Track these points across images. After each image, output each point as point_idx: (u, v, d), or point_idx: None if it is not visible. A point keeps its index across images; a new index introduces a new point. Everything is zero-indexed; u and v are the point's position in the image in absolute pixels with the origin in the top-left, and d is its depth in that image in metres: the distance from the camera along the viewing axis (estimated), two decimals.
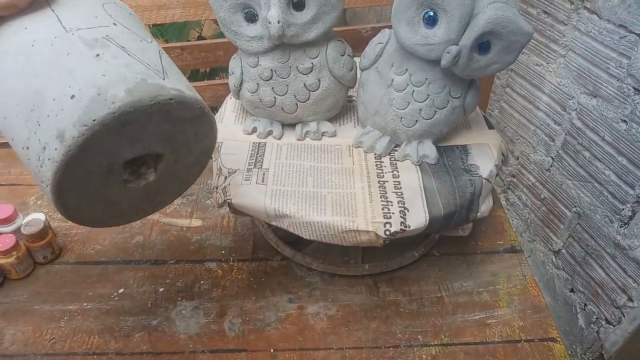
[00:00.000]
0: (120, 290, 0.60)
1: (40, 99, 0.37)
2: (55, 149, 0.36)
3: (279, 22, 0.51)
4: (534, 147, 0.93)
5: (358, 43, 0.78)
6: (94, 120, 0.36)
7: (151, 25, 1.34)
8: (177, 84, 0.40)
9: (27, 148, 0.38)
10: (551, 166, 0.89)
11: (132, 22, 0.44)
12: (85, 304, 0.59)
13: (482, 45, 0.48)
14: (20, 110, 0.38)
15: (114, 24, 0.42)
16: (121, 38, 0.40)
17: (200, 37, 1.53)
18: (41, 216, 0.62)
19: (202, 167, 0.49)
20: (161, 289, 0.60)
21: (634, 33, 0.66)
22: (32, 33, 0.40)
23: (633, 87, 0.68)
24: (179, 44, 0.91)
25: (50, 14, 0.41)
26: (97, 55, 0.38)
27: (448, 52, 0.48)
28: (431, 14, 0.48)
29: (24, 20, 0.40)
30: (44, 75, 0.38)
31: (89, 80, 0.37)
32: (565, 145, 0.84)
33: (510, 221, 1.03)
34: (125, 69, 0.38)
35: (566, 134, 0.84)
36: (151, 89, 0.38)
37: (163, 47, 0.94)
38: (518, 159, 0.99)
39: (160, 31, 1.37)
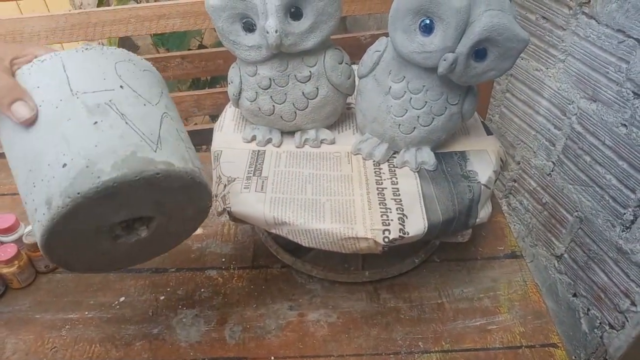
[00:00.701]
0: (121, 299, 0.60)
1: (38, 161, 0.39)
2: (43, 214, 0.39)
3: (276, 32, 0.51)
4: (534, 152, 0.93)
5: (357, 50, 0.78)
6: (78, 194, 0.37)
7: (152, 35, 1.35)
8: (169, 156, 0.41)
9: (26, 203, 0.41)
10: (552, 171, 0.89)
11: (141, 82, 0.44)
12: (86, 313, 0.59)
13: (479, 52, 0.48)
14: (23, 168, 0.41)
15: (121, 86, 0.42)
16: (124, 103, 0.41)
17: (201, 46, 1.54)
18: None
19: (198, 224, 0.51)
20: (162, 297, 0.61)
21: (632, 38, 0.66)
22: (42, 92, 0.41)
23: (632, 92, 0.68)
24: (179, 53, 0.92)
25: (61, 74, 0.42)
26: (95, 123, 0.39)
27: (445, 60, 0.48)
28: (427, 22, 0.48)
29: (40, 77, 0.42)
30: (45, 139, 0.40)
31: (82, 150, 0.38)
32: (566, 149, 0.84)
33: (512, 226, 1.03)
34: (119, 140, 0.39)
35: (567, 139, 0.84)
36: (138, 164, 0.39)
37: (164, 57, 0.95)
38: (519, 163, 0.99)
39: (161, 40, 1.38)
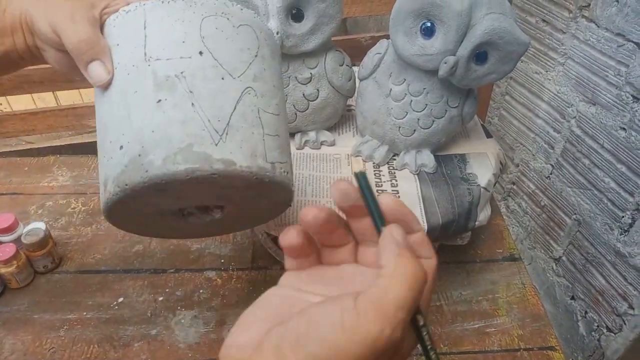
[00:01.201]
0: (120, 300, 0.60)
1: (103, 135, 0.37)
2: (102, 192, 0.37)
3: (277, 33, 0.51)
4: (533, 155, 0.93)
5: (358, 52, 0.78)
6: (126, 185, 0.34)
7: None
8: (233, 150, 0.34)
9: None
10: (551, 173, 0.89)
11: (230, 44, 0.37)
12: (85, 313, 0.59)
13: (480, 55, 0.48)
14: (98, 133, 0.38)
15: (200, 52, 0.36)
16: (197, 76, 0.35)
17: None
18: (41, 225, 0.63)
19: (279, 213, 0.45)
20: (160, 298, 0.61)
21: (632, 41, 0.67)
22: (120, 52, 0.37)
23: (631, 95, 0.68)
24: None
25: (140, 31, 0.36)
26: (159, 101, 0.34)
27: (445, 63, 0.48)
28: (428, 24, 0.48)
29: (121, 32, 0.37)
30: (112, 111, 0.36)
31: (139, 133, 0.34)
32: (565, 152, 0.84)
33: (511, 229, 1.04)
34: (178, 127, 0.34)
35: (566, 142, 0.84)
36: (191, 161, 0.33)
37: None
38: (518, 166, 0.99)
39: None
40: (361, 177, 0.28)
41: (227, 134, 0.35)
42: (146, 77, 0.35)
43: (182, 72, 0.35)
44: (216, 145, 0.34)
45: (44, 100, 1.27)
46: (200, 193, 0.37)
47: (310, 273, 0.31)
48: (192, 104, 0.34)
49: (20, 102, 1.26)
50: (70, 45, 0.36)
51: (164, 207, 0.38)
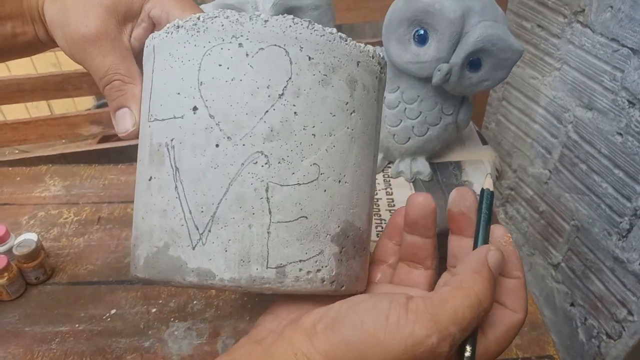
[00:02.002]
0: (112, 311, 0.59)
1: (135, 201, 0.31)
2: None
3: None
4: (531, 160, 0.93)
5: None
6: (133, 275, 0.29)
7: None
8: (214, 254, 0.26)
9: None
10: (549, 179, 0.89)
11: (232, 89, 0.26)
12: (77, 325, 0.58)
13: (473, 62, 0.48)
14: None
15: (194, 108, 0.26)
16: (186, 144, 0.26)
17: None
18: (33, 236, 0.62)
19: None
20: (153, 310, 0.60)
21: (627, 47, 0.66)
22: (143, 102, 0.31)
23: (627, 100, 0.68)
24: None
25: (149, 77, 0.29)
26: (150, 179, 0.28)
27: (439, 70, 0.48)
28: (421, 32, 0.48)
29: (143, 78, 0.31)
30: (137, 174, 0.31)
31: (136, 215, 0.29)
32: (562, 158, 0.84)
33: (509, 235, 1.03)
34: (159, 218, 0.27)
35: (563, 147, 0.83)
36: (164, 268, 0.27)
37: None
38: (516, 172, 0.98)
39: None
40: (487, 193, 0.26)
41: (209, 231, 0.26)
42: (146, 142, 0.28)
43: (172, 140, 0.27)
44: (193, 248, 0.26)
45: (38, 108, 1.26)
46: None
47: None
48: (176, 186, 0.26)
49: (14, 111, 1.26)
50: (99, 85, 0.32)
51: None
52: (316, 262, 0.27)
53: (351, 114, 0.28)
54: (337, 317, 0.24)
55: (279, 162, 0.26)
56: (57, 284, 0.63)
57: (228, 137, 0.26)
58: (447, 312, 0.23)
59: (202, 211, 0.26)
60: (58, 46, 0.34)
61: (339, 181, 0.28)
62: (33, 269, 0.61)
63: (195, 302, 0.61)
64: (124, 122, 0.31)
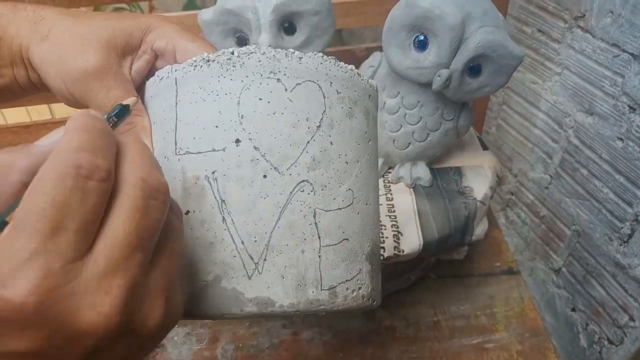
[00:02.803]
0: None
1: None
2: None
3: (269, 47, 0.50)
4: (532, 165, 0.92)
5: (353, 63, 0.77)
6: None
7: None
8: (271, 282, 0.26)
9: None
10: (550, 184, 0.88)
11: (274, 122, 0.27)
12: None
13: (473, 68, 0.48)
14: None
15: (237, 140, 0.26)
16: (231, 177, 0.26)
17: None
18: None
19: None
20: None
21: (627, 52, 0.66)
22: (155, 135, 0.30)
23: (628, 106, 0.68)
24: None
25: (172, 110, 0.28)
26: (187, 213, 0.27)
27: (439, 76, 0.48)
28: (422, 38, 0.48)
29: (155, 108, 0.30)
30: None
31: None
32: (563, 163, 0.84)
33: (510, 239, 1.03)
34: (205, 251, 0.27)
35: (564, 152, 0.83)
36: (218, 301, 0.26)
37: None
38: (516, 176, 0.98)
39: None
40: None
41: (265, 259, 0.26)
42: (175, 176, 0.28)
43: (213, 172, 0.27)
44: (249, 278, 0.26)
45: (39, 111, 1.26)
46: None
47: None
48: (224, 218, 0.26)
49: (15, 114, 1.26)
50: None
51: None
52: (357, 280, 0.29)
53: (369, 142, 0.31)
54: None
55: (322, 189, 0.27)
56: None
57: (275, 168, 0.27)
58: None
59: (256, 240, 0.26)
60: (40, 91, 0.33)
61: (366, 204, 0.30)
62: None
63: None
64: None
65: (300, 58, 0.28)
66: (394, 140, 0.55)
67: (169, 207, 0.22)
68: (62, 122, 0.77)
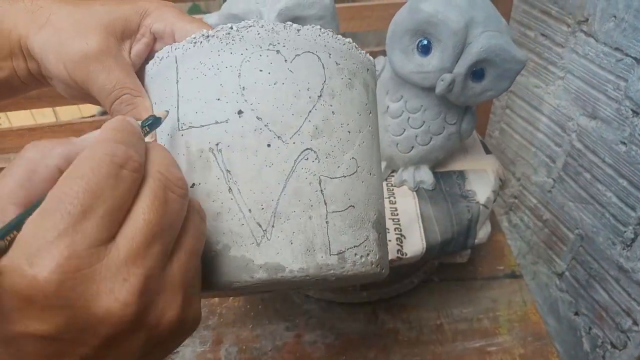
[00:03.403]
0: None
1: None
2: None
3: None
4: (534, 169, 0.92)
5: None
6: None
7: None
8: (281, 248, 0.26)
9: None
10: (552, 188, 0.88)
11: (276, 93, 0.28)
12: None
13: (477, 72, 0.48)
14: None
15: (239, 111, 0.27)
16: (235, 147, 0.27)
17: None
18: None
19: None
20: None
21: (630, 56, 0.66)
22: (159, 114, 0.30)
23: (631, 110, 0.68)
24: None
25: (173, 86, 0.29)
26: (192, 185, 0.27)
27: (442, 80, 0.48)
28: (425, 42, 0.48)
29: (156, 87, 0.31)
30: None
31: None
32: (566, 166, 0.84)
33: (513, 243, 1.03)
34: (212, 222, 0.27)
35: (567, 156, 0.83)
36: (227, 271, 0.27)
37: None
38: (519, 180, 0.98)
39: None
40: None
41: (272, 226, 0.26)
42: (180, 151, 0.28)
43: (217, 144, 0.27)
44: (258, 245, 0.26)
45: (44, 114, 1.27)
46: (266, 288, 0.29)
47: None
48: (230, 188, 0.27)
49: (20, 117, 1.27)
50: (106, 102, 0.30)
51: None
52: (365, 247, 0.29)
53: (369, 114, 0.31)
54: None
55: (326, 157, 0.28)
56: None
57: (278, 137, 0.27)
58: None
59: (263, 208, 0.26)
60: (39, 84, 0.34)
61: (370, 173, 0.30)
62: None
63: None
64: None
65: (298, 30, 0.28)
66: (397, 144, 0.56)
67: (188, 202, 0.23)
68: (66, 125, 0.78)
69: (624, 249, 0.74)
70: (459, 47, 0.46)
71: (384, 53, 0.54)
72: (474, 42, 0.46)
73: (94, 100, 0.33)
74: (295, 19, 0.51)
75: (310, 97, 0.28)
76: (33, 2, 0.31)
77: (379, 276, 0.31)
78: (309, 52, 0.28)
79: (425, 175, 0.57)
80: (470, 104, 0.53)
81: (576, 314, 0.88)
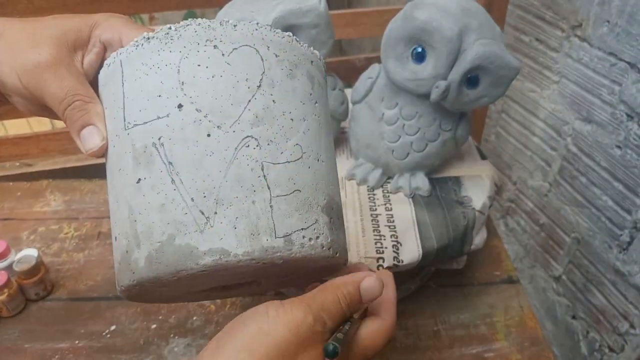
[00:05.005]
0: (112, 327, 0.59)
1: (112, 212, 0.31)
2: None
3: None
4: (530, 173, 0.93)
5: (352, 73, 0.78)
6: (122, 286, 0.30)
7: None
8: (224, 233, 0.27)
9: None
10: (549, 191, 0.89)
11: (214, 84, 0.28)
12: (77, 342, 0.58)
13: (471, 79, 0.48)
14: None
15: (179, 105, 0.28)
16: (176, 139, 0.28)
17: None
18: (34, 252, 0.62)
19: (336, 270, 0.35)
20: (153, 326, 0.60)
21: (624, 61, 0.67)
22: (107, 119, 0.31)
23: (626, 114, 0.68)
24: None
25: (119, 89, 0.30)
26: (138, 181, 0.28)
27: (437, 87, 0.48)
28: (419, 50, 0.48)
29: (105, 91, 0.31)
30: (108, 190, 0.31)
31: (125, 224, 0.29)
32: (562, 170, 0.84)
33: (510, 247, 1.03)
34: (157, 213, 0.27)
35: (562, 160, 0.84)
36: (173, 258, 0.27)
37: None
38: (515, 184, 0.98)
39: None
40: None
41: (215, 212, 0.27)
42: (126, 149, 0.29)
43: (159, 139, 0.28)
44: (201, 232, 0.27)
45: (41, 121, 1.27)
46: (219, 278, 0.29)
47: None
48: (172, 180, 0.27)
49: (16, 126, 1.27)
50: (59, 109, 0.31)
51: (181, 291, 0.32)
52: (314, 230, 0.30)
53: (315, 103, 0.32)
54: (226, 330, 0.28)
55: (268, 144, 0.29)
56: (57, 299, 0.63)
57: (218, 126, 0.28)
58: (316, 302, 0.28)
59: (205, 196, 0.27)
60: (1, 104, 0.34)
61: (318, 160, 0.31)
62: (33, 285, 0.61)
63: (195, 317, 0.60)
64: (92, 139, 0.31)
65: (234, 25, 0.30)
66: (393, 151, 0.56)
67: None
68: (62, 133, 0.78)
69: (620, 252, 0.74)
70: (453, 54, 0.46)
71: (379, 59, 0.55)
72: (468, 49, 0.46)
73: (50, 114, 0.34)
74: (290, 27, 0.51)
75: (249, 87, 0.29)
76: None
77: (332, 260, 0.31)
78: (246, 45, 0.29)
79: (421, 182, 0.57)
80: (465, 110, 0.53)
81: (573, 317, 0.88)
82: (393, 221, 0.54)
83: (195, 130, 0.28)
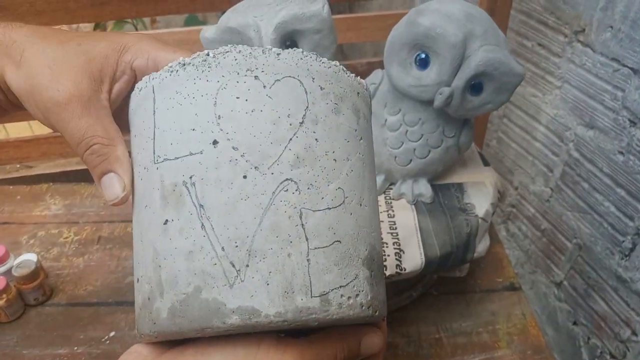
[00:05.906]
0: (112, 334, 0.59)
1: (135, 251, 0.29)
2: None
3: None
4: (532, 178, 0.92)
5: None
6: (142, 335, 0.27)
7: None
8: (255, 290, 0.24)
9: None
10: (550, 197, 0.88)
11: (253, 120, 0.26)
12: (75, 348, 0.57)
13: (475, 86, 0.48)
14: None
15: (214, 142, 0.25)
16: (209, 180, 0.25)
17: None
18: (33, 257, 0.62)
19: None
20: None
21: (627, 66, 0.66)
22: (135, 148, 0.29)
23: (628, 120, 0.68)
24: None
25: (150, 118, 0.28)
26: (165, 222, 0.26)
27: (441, 94, 0.48)
28: (423, 56, 0.48)
29: (136, 120, 0.29)
30: (133, 226, 0.29)
31: (148, 268, 0.26)
32: (564, 176, 0.84)
33: (512, 252, 1.02)
34: (184, 261, 0.25)
35: (564, 165, 0.83)
36: (199, 313, 0.24)
37: None
38: (517, 189, 0.98)
39: None
40: None
41: (247, 265, 0.24)
42: (154, 185, 0.26)
43: (191, 177, 0.25)
44: (231, 286, 0.24)
45: (41, 125, 1.27)
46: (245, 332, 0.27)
47: None
48: (202, 224, 0.25)
49: (18, 129, 1.27)
50: (78, 153, 0.29)
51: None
52: (354, 287, 0.26)
53: (360, 140, 0.29)
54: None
55: (308, 188, 0.25)
56: (56, 305, 0.62)
57: (255, 167, 0.25)
58: (312, 352, 0.26)
59: (237, 245, 0.24)
60: (20, 109, 0.33)
61: (360, 205, 0.28)
62: (32, 290, 0.61)
63: None
64: (112, 188, 0.29)
65: (278, 54, 0.27)
66: (395, 157, 0.55)
67: None
68: (62, 137, 0.77)
69: (622, 258, 0.74)
70: (457, 60, 0.46)
71: (381, 64, 0.54)
72: (473, 55, 0.46)
73: None
74: (293, 33, 0.51)
75: (291, 124, 0.26)
76: (6, 34, 0.30)
77: (371, 319, 0.28)
78: (289, 76, 0.26)
79: (424, 188, 0.56)
80: (468, 116, 0.53)
81: (575, 323, 0.88)
82: (395, 228, 0.53)
83: (230, 170, 0.25)
